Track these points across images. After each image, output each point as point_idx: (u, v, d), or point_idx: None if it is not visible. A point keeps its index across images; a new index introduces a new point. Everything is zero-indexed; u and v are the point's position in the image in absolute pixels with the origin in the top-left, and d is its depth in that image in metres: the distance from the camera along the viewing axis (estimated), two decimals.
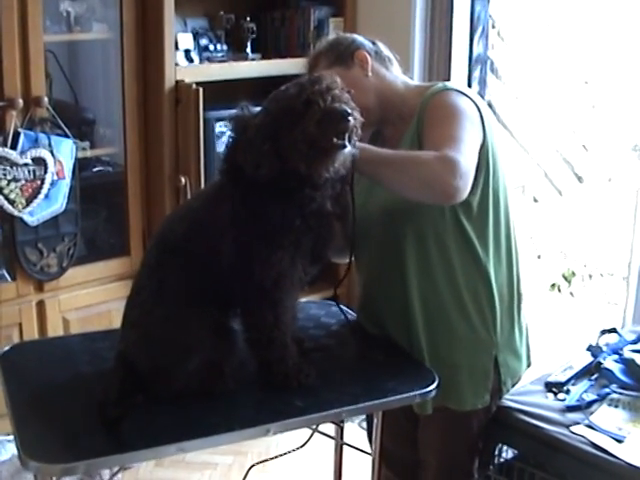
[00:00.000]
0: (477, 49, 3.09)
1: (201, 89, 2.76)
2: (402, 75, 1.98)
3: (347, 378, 1.78)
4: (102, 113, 2.99)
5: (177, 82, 2.80)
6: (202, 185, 2.87)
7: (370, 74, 1.90)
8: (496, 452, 2.11)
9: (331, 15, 3.31)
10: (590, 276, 4.69)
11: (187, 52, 2.92)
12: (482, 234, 1.87)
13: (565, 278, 4.71)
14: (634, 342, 2.26)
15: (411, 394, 1.73)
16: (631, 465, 1.81)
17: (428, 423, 2.01)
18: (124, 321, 1.72)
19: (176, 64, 2.82)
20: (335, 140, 1.53)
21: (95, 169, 3.02)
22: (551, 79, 4.33)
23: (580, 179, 5.05)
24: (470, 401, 1.94)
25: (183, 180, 2.85)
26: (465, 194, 1.68)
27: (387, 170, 1.70)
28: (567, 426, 1.97)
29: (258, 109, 1.62)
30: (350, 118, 1.53)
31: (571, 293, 4.67)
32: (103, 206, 3.07)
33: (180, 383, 1.64)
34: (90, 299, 2.90)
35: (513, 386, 2.01)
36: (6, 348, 1.90)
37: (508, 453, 2.14)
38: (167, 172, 2.87)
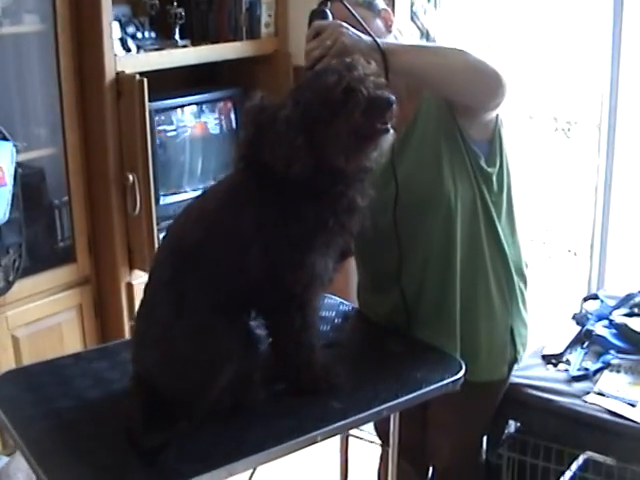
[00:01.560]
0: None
1: (145, 80, 2.60)
2: None
3: (373, 373, 1.71)
4: (32, 112, 2.75)
5: (117, 74, 2.62)
6: (151, 181, 2.71)
7: (392, 31, 1.84)
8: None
9: None
10: None
11: (123, 41, 2.73)
12: (499, 208, 1.86)
13: None
14: (618, 307, 2.31)
15: (444, 382, 1.69)
16: None
17: (442, 401, 1.97)
18: (139, 340, 1.59)
19: (114, 55, 2.63)
20: (379, 125, 1.46)
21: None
22: None
23: None
24: (488, 373, 1.92)
25: (131, 178, 2.68)
26: (506, 98, 1.68)
27: (430, 56, 1.63)
28: (578, 396, 1.99)
29: (278, 100, 1.52)
30: (394, 105, 1.46)
31: None
32: (41, 212, 2.83)
33: (211, 399, 1.53)
34: (39, 313, 2.70)
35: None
36: None
37: (511, 428, 2.15)
38: (112, 171, 2.69)
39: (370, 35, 1.63)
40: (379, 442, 2.14)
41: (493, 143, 1.84)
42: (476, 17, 3.42)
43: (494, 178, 1.84)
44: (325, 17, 1.71)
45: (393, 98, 1.46)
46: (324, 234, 1.53)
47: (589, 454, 2.05)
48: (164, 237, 1.63)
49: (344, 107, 1.44)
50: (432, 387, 1.67)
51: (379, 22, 1.82)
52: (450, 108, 1.77)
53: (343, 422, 1.54)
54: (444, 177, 1.79)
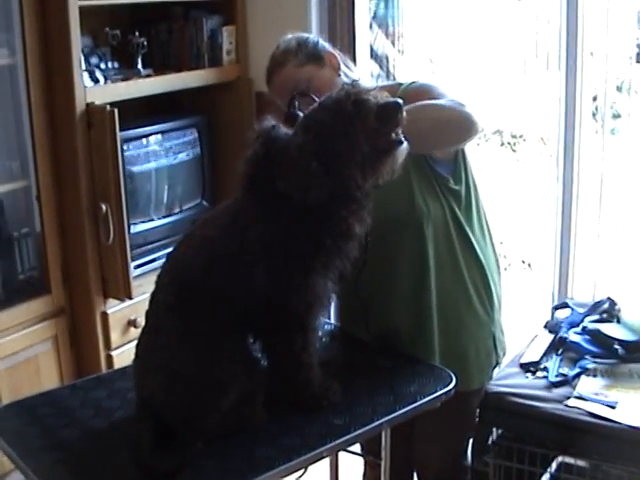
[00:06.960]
0: (378, 48, 3.14)
1: (116, 110, 2.62)
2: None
3: (368, 389, 1.76)
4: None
5: (87, 105, 2.64)
6: (124, 210, 2.72)
7: (341, 73, 1.91)
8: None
9: (222, 24, 3.24)
10: None
11: (91, 72, 2.75)
12: (470, 221, 1.94)
13: None
14: (588, 314, 2.40)
15: (436, 394, 1.75)
16: (632, 427, 1.93)
17: (430, 413, 2.02)
18: (142, 367, 1.61)
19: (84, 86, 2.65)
20: (394, 136, 1.50)
21: None
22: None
23: None
24: (477, 379, 2.00)
25: (104, 207, 2.69)
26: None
27: (413, 126, 1.56)
28: (559, 401, 2.07)
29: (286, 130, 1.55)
30: (404, 108, 1.51)
31: None
32: (8, 245, 2.81)
33: (216, 422, 1.56)
34: (15, 345, 2.67)
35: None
36: None
37: (495, 435, 2.22)
38: (84, 201, 2.70)
39: None
40: (368, 458, 2.19)
41: (457, 161, 1.92)
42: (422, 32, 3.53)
43: (462, 194, 1.92)
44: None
45: (401, 101, 1.51)
46: (322, 255, 1.57)
47: (561, 459, 2.14)
48: (163, 266, 1.65)
49: (357, 116, 1.48)
50: (427, 399, 1.73)
51: (327, 70, 1.90)
52: None
53: (346, 437, 1.59)
54: (415, 197, 1.86)
